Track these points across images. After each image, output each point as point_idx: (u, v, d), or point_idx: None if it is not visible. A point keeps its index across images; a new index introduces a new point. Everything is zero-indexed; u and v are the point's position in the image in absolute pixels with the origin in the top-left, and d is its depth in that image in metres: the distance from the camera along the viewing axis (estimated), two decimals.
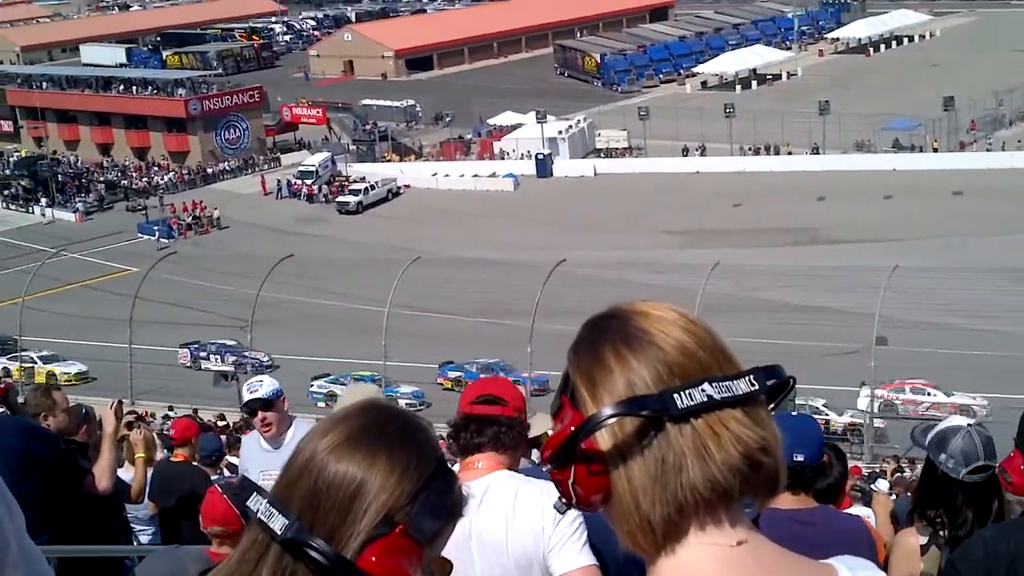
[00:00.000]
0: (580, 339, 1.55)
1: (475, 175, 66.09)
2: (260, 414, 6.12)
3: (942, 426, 4.18)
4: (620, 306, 1.56)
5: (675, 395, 1.44)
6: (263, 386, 6.17)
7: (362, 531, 1.53)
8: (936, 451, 4.10)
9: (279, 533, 1.54)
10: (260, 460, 6.04)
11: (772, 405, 1.51)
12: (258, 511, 1.57)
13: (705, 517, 1.46)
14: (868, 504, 11.02)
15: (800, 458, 4.03)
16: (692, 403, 1.43)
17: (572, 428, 1.47)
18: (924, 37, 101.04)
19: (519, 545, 3.21)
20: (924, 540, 4.16)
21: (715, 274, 30.54)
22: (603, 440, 1.46)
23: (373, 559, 1.52)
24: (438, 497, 1.58)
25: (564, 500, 1.51)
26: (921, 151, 61.49)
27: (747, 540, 1.49)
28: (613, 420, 1.44)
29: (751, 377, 1.47)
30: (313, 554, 1.52)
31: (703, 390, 1.44)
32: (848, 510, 7.69)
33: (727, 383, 1.46)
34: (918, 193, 52.63)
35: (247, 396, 6.25)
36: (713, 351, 1.50)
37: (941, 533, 4.10)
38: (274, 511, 1.55)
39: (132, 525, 8.40)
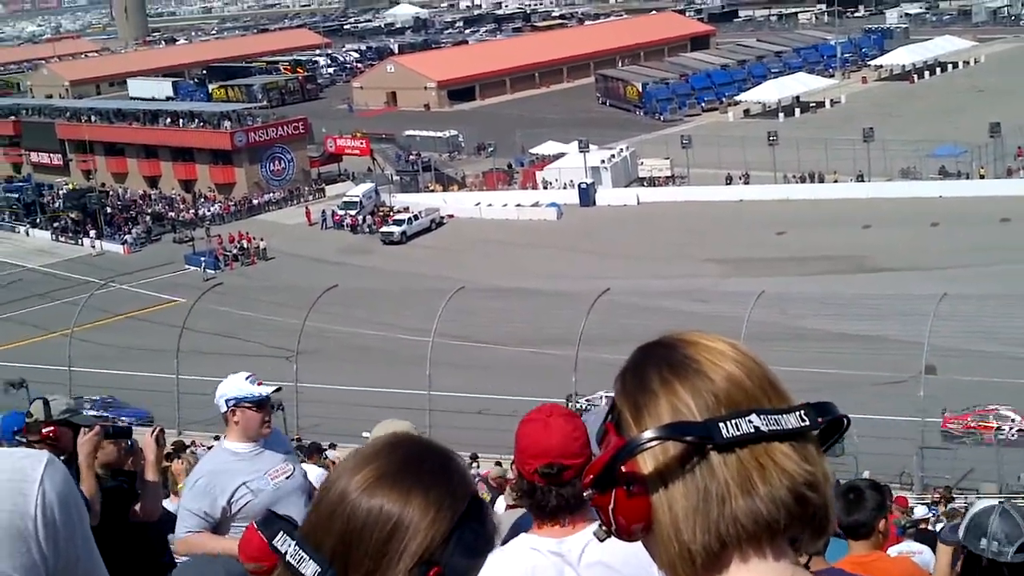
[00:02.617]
0: (627, 366, 1.55)
1: (518, 204, 66.17)
2: (262, 412, 5.87)
3: (972, 511, 3.98)
4: (671, 334, 1.56)
5: (721, 424, 1.42)
6: (259, 384, 5.88)
7: (399, 574, 1.50)
8: (975, 539, 3.87)
9: None
10: (239, 471, 5.84)
11: (826, 445, 1.49)
12: (287, 553, 1.53)
13: (748, 550, 1.44)
14: (920, 539, 10.87)
15: None
16: (738, 433, 1.42)
17: (613, 452, 1.45)
18: (968, 63, 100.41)
19: None
20: None
21: (760, 303, 30.36)
22: (645, 464, 1.45)
23: None
24: (473, 535, 1.55)
25: (605, 528, 1.49)
26: (968, 178, 60.92)
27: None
28: (656, 443, 1.42)
29: (802, 412, 1.46)
30: None
31: (750, 421, 1.43)
32: (898, 547, 7.60)
33: (776, 416, 1.44)
34: (965, 220, 52.09)
35: (248, 391, 5.84)
36: (763, 383, 1.48)
37: None
38: (304, 556, 1.52)
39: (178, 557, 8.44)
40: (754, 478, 1.42)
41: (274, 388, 6.02)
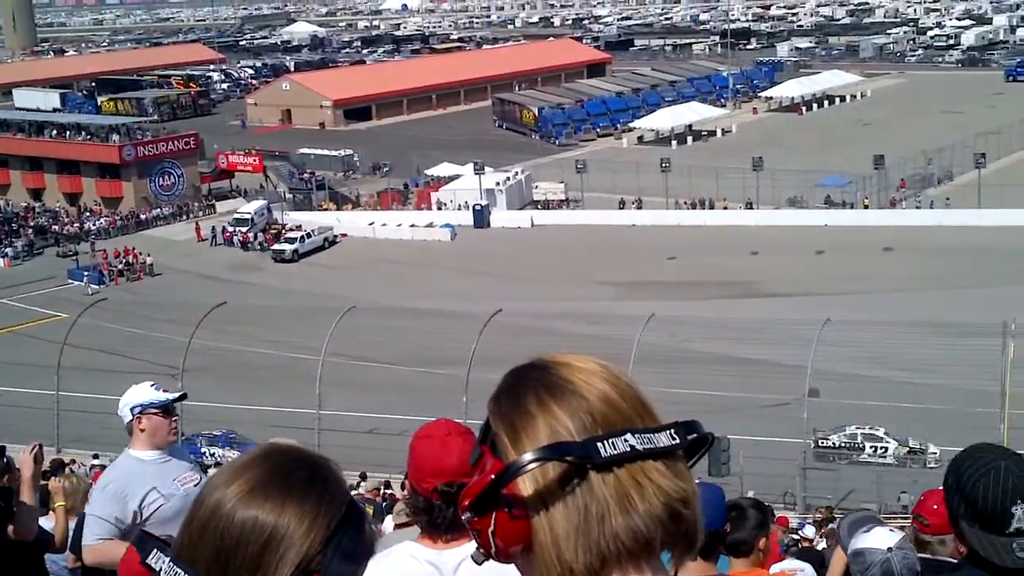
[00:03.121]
0: (501, 389, 1.54)
1: (412, 225, 66.12)
2: (168, 418, 5.81)
3: (865, 544, 4.06)
4: (542, 357, 1.56)
5: (599, 444, 1.43)
6: (160, 390, 5.82)
7: None
8: (858, 567, 4.01)
9: None
10: (148, 476, 5.75)
11: (691, 462, 1.52)
12: (161, 571, 1.49)
13: (627, 567, 1.45)
14: (802, 557, 11.05)
15: None
16: (615, 452, 1.43)
17: (493, 475, 1.44)
18: (855, 97, 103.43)
19: None
20: None
21: (650, 325, 30.72)
22: (525, 486, 1.44)
23: None
24: (351, 541, 1.52)
25: (483, 551, 1.48)
26: (852, 208, 62.60)
27: None
28: (536, 465, 1.42)
29: (672, 431, 1.48)
30: None
31: (626, 440, 1.44)
32: (780, 565, 7.70)
33: (649, 435, 1.46)
34: (849, 248, 53.48)
35: (154, 397, 5.78)
36: (635, 403, 1.50)
37: None
38: (179, 571, 1.48)
39: None
40: (632, 496, 1.43)
41: (179, 394, 5.98)
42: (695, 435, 1.50)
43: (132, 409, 5.76)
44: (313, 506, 1.50)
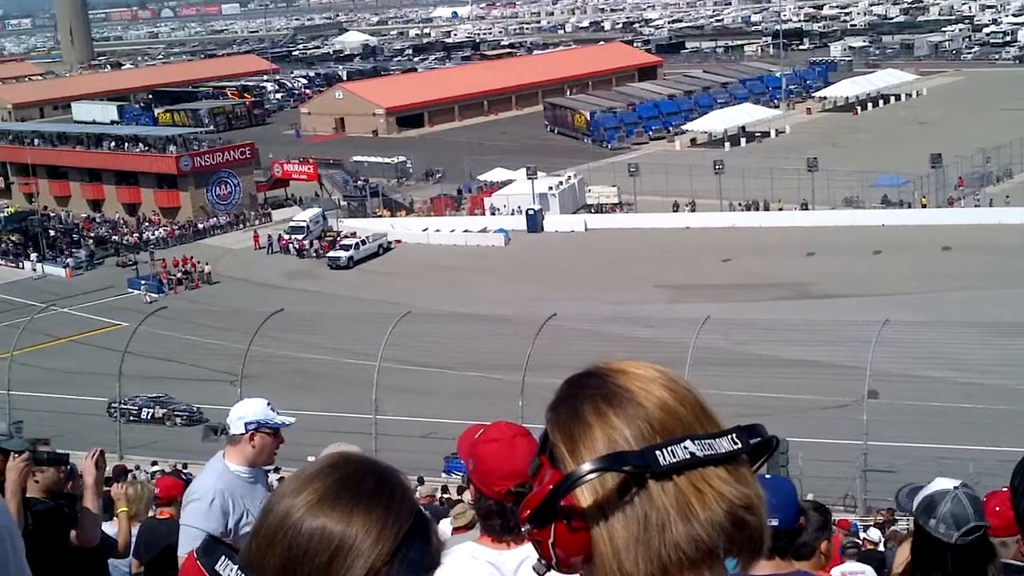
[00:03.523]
0: (559, 398, 1.53)
1: (466, 230, 66.24)
2: (276, 440, 5.80)
3: (929, 491, 4.09)
4: (599, 364, 1.54)
5: (657, 452, 1.42)
6: (274, 411, 5.82)
7: None
8: (925, 517, 4.02)
9: None
10: (244, 494, 5.74)
11: (756, 466, 1.49)
12: None
13: None
14: (862, 559, 10.95)
15: (774, 523, 3.97)
16: (674, 460, 1.42)
17: (551, 486, 1.44)
18: (911, 96, 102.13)
19: None
20: None
21: (705, 328, 30.53)
22: (584, 497, 1.43)
23: None
24: (417, 552, 1.51)
25: (544, 562, 1.47)
26: (910, 207, 61.86)
27: None
28: (594, 476, 1.41)
29: (733, 436, 1.46)
30: None
31: (685, 447, 1.42)
32: (841, 568, 7.64)
33: (709, 441, 1.44)
34: (907, 248, 52.85)
35: (272, 418, 5.78)
36: (694, 409, 1.49)
37: None
38: None
39: None
40: (693, 504, 1.41)
41: (291, 420, 5.96)
42: (758, 439, 1.48)
43: (247, 424, 5.73)
44: (381, 516, 1.49)
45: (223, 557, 1.51)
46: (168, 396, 39.20)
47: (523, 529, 1.46)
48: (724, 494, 1.42)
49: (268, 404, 5.84)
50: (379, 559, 1.47)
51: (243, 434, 5.75)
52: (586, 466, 1.41)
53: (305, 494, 1.50)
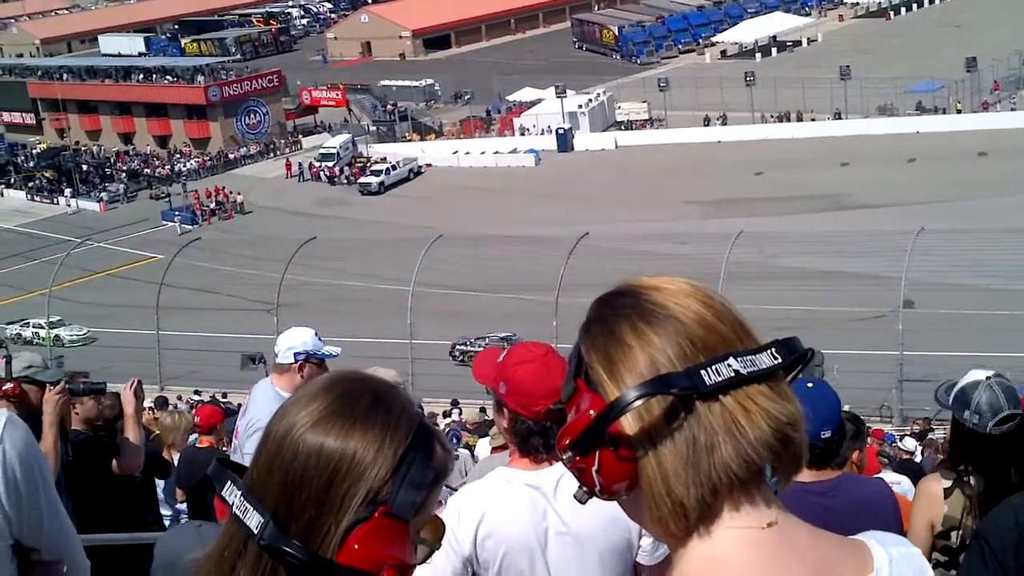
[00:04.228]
0: (591, 318, 1.47)
1: (496, 152, 65.98)
2: (322, 370, 5.73)
3: (962, 382, 4.13)
4: (630, 282, 1.49)
5: (702, 372, 1.37)
6: (318, 342, 5.81)
7: (342, 519, 1.44)
8: (960, 408, 4.05)
9: (255, 532, 1.45)
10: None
11: (789, 378, 1.45)
12: (233, 504, 1.48)
13: (739, 497, 1.40)
14: (900, 470, 10.96)
15: (827, 434, 3.98)
16: (720, 379, 1.37)
17: (592, 412, 1.39)
18: None
19: (613, 531, 3.12)
20: (948, 484, 4.13)
21: (739, 243, 30.36)
22: (629, 424, 1.38)
23: (356, 547, 1.43)
24: (419, 469, 1.48)
25: (586, 489, 1.43)
26: (944, 113, 60.97)
27: (777, 521, 1.43)
28: (641, 401, 1.36)
29: (773, 351, 1.42)
30: (290, 558, 1.43)
31: (729, 365, 1.38)
32: (877, 476, 7.66)
33: (751, 357, 1.40)
34: (942, 156, 52.20)
35: (320, 348, 5.78)
36: (733, 324, 1.44)
37: (967, 480, 4.06)
38: (248, 507, 1.46)
39: (163, 512, 8.47)
40: (741, 422, 1.38)
41: (338, 351, 5.98)
42: (795, 353, 1.43)
43: (297, 354, 5.74)
44: (378, 433, 1.47)
45: (228, 482, 1.50)
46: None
47: (563, 457, 1.42)
48: (770, 411, 1.39)
49: (316, 334, 5.84)
50: (379, 478, 1.45)
51: (292, 363, 5.76)
52: (632, 392, 1.36)
53: (303, 415, 1.49)
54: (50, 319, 38.79)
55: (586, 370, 1.44)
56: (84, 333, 42.23)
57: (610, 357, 1.42)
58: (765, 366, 1.40)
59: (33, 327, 41.39)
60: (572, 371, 1.47)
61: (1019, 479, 3.95)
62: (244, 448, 5.90)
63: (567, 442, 1.40)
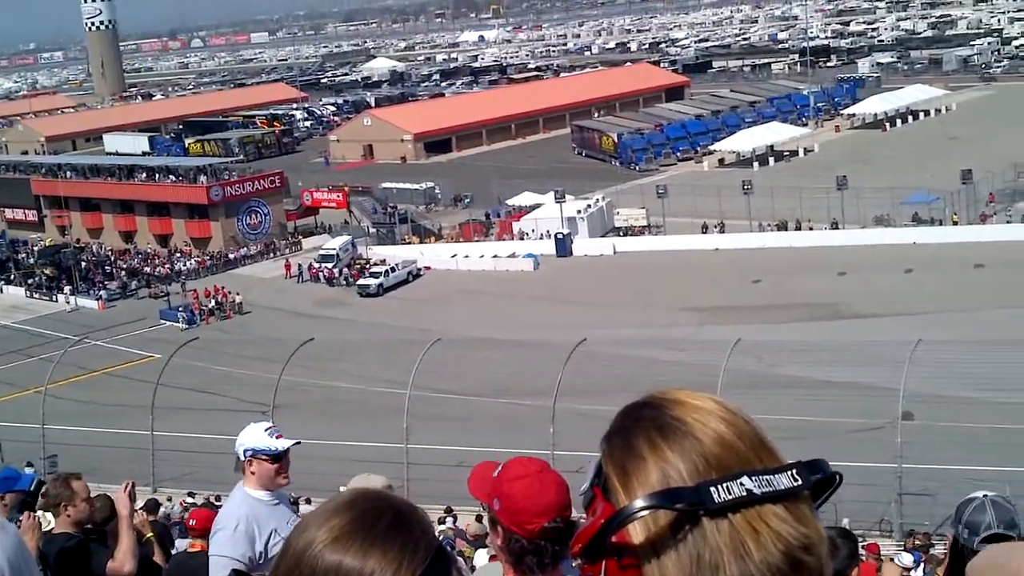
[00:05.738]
0: (613, 428, 1.49)
1: (495, 256, 66.33)
2: (276, 465, 5.81)
3: (963, 500, 4.19)
4: (655, 394, 1.50)
5: (712, 488, 1.37)
6: (278, 437, 5.85)
7: None
8: (955, 524, 4.11)
9: None
10: (269, 517, 5.78)
11: (818, 503, 1.45)
12: None
13: None
14: None
15: None
16: (730, 497, 1.36)
17: (603, 520, 1.40)
18: (940, 111, 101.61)
19: None
20: None
21: (737, 350, 30.34)
22: (635, 533, 1.39)
23: None
24: None
25: None
26: (941, 224, 61.46)
27: None
28: (646, 513, 1.37)
29: (794, 471, 1.40)
30: None
31: (742, 484, 1.37)
32: None
33: (768, 477, 1.39)
34: (939, 266, 52.48)
35: (267, 444, 5.80)
36: (753, 443, 1.43)
37: None
38: None
39: None
40: (748, 543, 1.36)
41: (293, 443, 5.98)
42: (820, 475, 1.42)
43: (246, 451, 5.81)
44: (397, 556, 1.48)
45: None
46: None
47: (575, 564, 1.44)
48: (781, 533, 1.37)
49: (268, 429, 5.86)
50: None
51: (244, 460, 5.84)
52: (638, 502, 1.37)
53: (323, 531, 1.50)
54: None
55: (604, 479, 1.46)
56: None
57: (625, 468, 1.43)
58: (782, 487, 1.38)
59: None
60: (591, 478, 1.49)
61: None
62: (210, 549, 5.95)
63: (578, 548, 1.42)
